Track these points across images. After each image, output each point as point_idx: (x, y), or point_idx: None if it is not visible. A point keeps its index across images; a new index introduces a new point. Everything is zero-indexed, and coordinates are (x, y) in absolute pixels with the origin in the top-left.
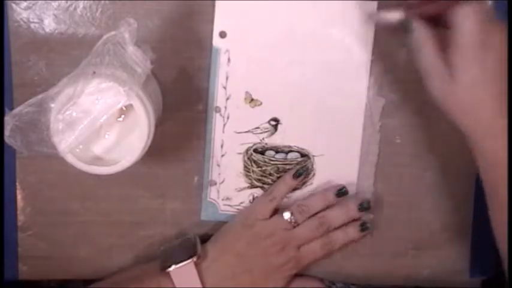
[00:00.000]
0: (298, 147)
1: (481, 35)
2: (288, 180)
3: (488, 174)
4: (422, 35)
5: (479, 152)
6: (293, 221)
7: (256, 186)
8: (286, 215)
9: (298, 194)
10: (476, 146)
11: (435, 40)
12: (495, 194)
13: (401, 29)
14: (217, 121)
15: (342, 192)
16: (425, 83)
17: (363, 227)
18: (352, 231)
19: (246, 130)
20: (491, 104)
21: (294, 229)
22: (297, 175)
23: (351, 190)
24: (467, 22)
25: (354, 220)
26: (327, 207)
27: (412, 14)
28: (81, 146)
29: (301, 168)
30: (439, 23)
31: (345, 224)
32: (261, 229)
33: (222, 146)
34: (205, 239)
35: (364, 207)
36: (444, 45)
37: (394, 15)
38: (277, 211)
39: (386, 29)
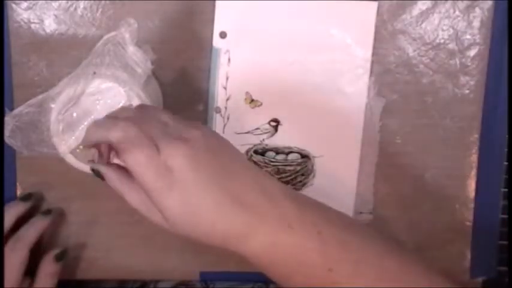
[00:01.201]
0: (298, 148)
1: (153, 166)
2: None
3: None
4: (114, 182)
5: (250, 257)
6: None
7: None
8: None
9: None
10: (245, 252)
11: (129, 179)
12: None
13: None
14: (217, 122)
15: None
16: (148, 219)
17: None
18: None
19: (246, 131)
20: (214, 222)
21: None
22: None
23: (351, 190)
24: (131, 165)
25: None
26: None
27: (99, 163)
28: (81, 147)
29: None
30: None
31: None
32: None
33: None
34: None
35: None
36: None
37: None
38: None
39: None
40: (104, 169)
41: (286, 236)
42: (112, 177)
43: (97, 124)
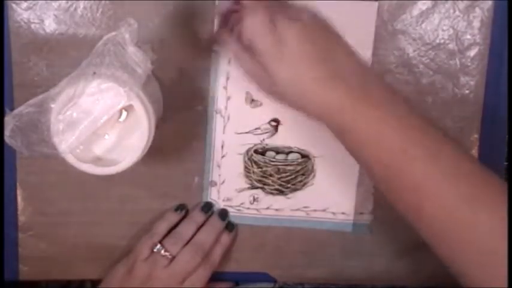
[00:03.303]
0: (298, 148)
1: (269, 35)
2: (169, 216)
3: (352, 154)
4: (235, 48)
5: (335, 135)
6: (169, 255)
7: (257, 187)
8: (159, 249)
9: (299, 194)
10: (334, 132)
11: (247, 49)
12: (371, 173)
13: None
14: (217, 122)
15: (206, 207)
16: (257, 86)
17: (230, 227)
18: (225, 238)
19: (247, 131)
20: (314, 94)
21: (172, 264)
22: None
23: (352, 190)
24: (250, 33)
25: None
26: (198, 229)
27: (219, 30)
28: (81, 147)
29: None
30: None
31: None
32: (140, 271)
33: (222, 147)
34: None
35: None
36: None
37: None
38: None
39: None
40: (226, 36)
41: (375, 112)
42: (233, 43)
43: None
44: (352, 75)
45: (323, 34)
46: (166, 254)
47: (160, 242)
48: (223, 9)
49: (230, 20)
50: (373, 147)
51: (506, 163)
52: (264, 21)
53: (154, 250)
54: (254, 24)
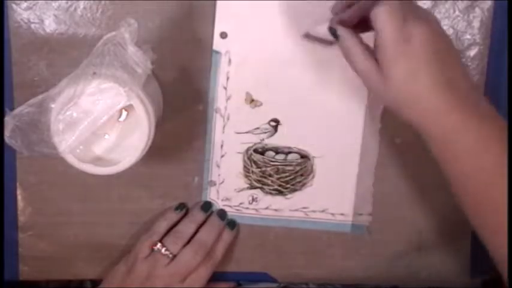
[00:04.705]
0: (298, 148)
1: (397, 29)
2: (169, 215)
3: (448, 164)
4: (348, 42)
5: (432, 144)
6: (169, 253)
7: (256, 187)
8: (159, 248)
9: (298, 195)
10: (428, 138)
11: (361, 44)
12: (462, 185)
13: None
14: (217, 121)
15: (206, 206)
16: (366, 86)
17: (231, 225)
18: (226, 235)
19: (246, 131)
20: (428, 96)
21: (173, 263)
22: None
23: (351, 191)
24: (381, 20)
25: None
26: (198, 228)
27: (336, 23)
28: (81, 147)
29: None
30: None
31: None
32: (140, 270)
33: (222, 147)
34: None
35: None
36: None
37: (321, 30)
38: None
39: (320, 43)
40: (341, 29)
41: (483, 125)
42: (347, 36)
43: None
44: (464, 85)
45: (443, 40)
46: (167, 252)
47: (160, 240)
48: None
49: (351, 10)
50: (474, 158)
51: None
52: (398, 14)
53: (155, 249)
54: (388, 14)
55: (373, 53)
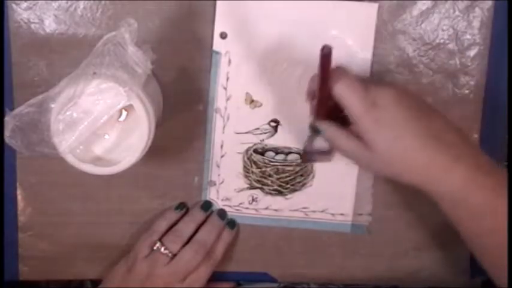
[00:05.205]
0: (298, 148)
1: (362, 98)
2: (168, 214)
3: (460, 226)
4: (329, 131)
5: (441, 204)
6: (169, 252)
7: (256, 187)
8: (158, 247)
9: (298, 195)
10: (436, 199)
11: (342, 129)
12: (478, 244)
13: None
14: (217, 122)
15: (206, 205)
16: (359, 166)
17: (231, 224)
18: (226, 235)
19: (246, 131)
20: (421, 155)
21: (173, 262)
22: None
23: (351, 192)
24: (343, 96)
25: None
26: (198, 228)
27: (315, 120)
28: (81, 147)
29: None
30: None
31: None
32: (140, 270)
33: (221, 147)
34: None
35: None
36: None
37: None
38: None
39: (320, 157)
40: (320, 123)
41: (479, 174)
42: (327, 127)
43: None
44: (454, 137)
45: (412, 97)
46: (166, 252)
47: (160, 240)
48: (313, 85)
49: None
50: (489, 218)
51: (506, 163)
52: (357, 84)
53: (154, 248)
54: (347, 87)
55: (353, 133)
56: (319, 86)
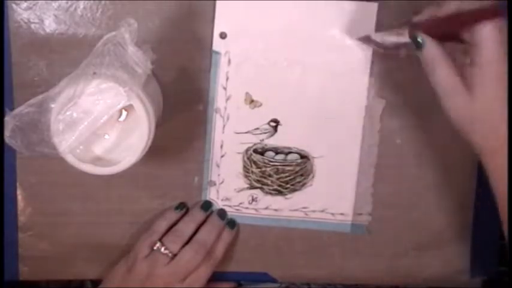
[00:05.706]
0: (298, 148)
1: (501, 52)
2: (169, 214)
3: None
4: (435, 52)
5: (493, 171)
6: (169, 252)
7: (256, 187)
8: (158, 247)
9: (298, 195)
10: (492, 164)
11: (447, 57)
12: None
13: (397, 50)
14: (217, 122)
15: (206, 205)
16: (441, 102)
17: (231, 224)
18: (226, 235)
19: (246, 131)
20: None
21: (173, 262)
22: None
23: (351, 191)
24: (489, 38)
25: None
26: (198, 227)
27: (419, 30)
28: (81, 147)
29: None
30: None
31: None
32: (140, 270)
33: (221, 147)
34: None
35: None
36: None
37: (390, 37)
38: None
39: (385, 51)
40: (426, 38)
41: None
42: (433, 46)
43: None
44: None
45: None
46: (166, 252)
47: (160, 240)
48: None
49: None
50: None
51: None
52: (505, 35)
53: (154, 248)
54: (499, 32)
55: (456, 67)
56: (456, 14)
